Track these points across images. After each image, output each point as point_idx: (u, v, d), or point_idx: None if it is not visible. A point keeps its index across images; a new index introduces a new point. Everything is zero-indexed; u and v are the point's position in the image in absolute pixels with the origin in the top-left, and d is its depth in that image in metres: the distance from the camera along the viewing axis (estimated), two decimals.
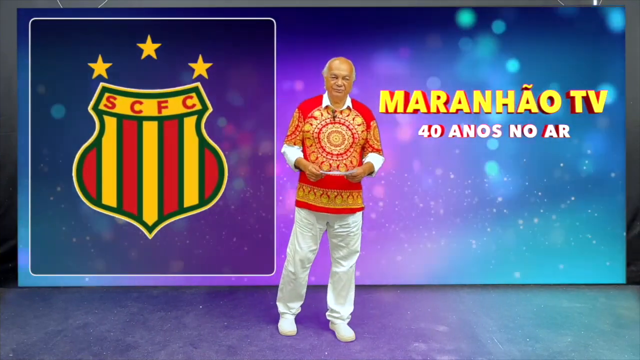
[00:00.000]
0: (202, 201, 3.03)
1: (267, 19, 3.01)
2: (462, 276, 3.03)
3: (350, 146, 2.16)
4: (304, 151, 2.22)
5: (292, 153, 2.21)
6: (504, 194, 3.03)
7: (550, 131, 3.02)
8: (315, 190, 2.16)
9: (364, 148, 2.23)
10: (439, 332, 2.34)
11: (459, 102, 3.01)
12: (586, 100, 3.01)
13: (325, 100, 2.19)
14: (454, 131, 3.01)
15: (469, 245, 3.03)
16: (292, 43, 3.00)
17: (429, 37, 3.00)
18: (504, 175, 3.03)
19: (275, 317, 2.50)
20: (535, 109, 3.02)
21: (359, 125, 2.18)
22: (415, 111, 3.02)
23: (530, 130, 3.02)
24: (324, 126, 2.15)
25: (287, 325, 2.33)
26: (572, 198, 3.02)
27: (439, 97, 3.01)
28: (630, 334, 2.30)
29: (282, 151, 2.28)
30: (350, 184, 2.16)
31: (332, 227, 2.21)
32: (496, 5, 3.05)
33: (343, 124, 2.16)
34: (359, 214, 2.23)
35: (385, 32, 3.01)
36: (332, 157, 2.14)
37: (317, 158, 2.15)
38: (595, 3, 3.15)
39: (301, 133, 2.20)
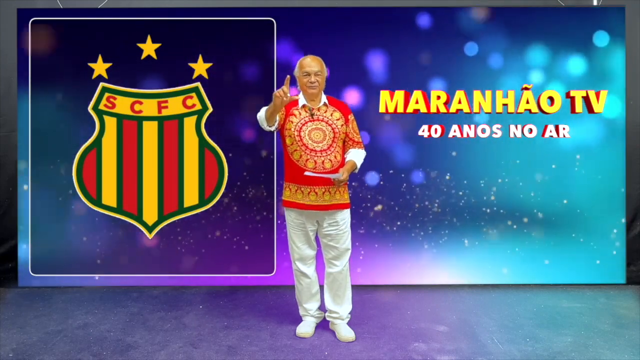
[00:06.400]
0: (202, 201, 3.03)
1: (267, 19, 3.01)
2: (462, 276, 3.04)
3: (332, 141, 2.18)
4: (284, 151, 2.22)
5: (261, 110, 2.16)
6: (503, 194, 3.03)
7: (550, 131, 3.02)
8: (302, 189, 2.17)
9: (345, 142, 2.25)
10: (439, 332, 2.34)
11: (459, 102, 3.01)
12: (586, 100, 3.01)
13: (302, 100, 2.21)
14: (454, 131, 3.02)
15: (469, 245, 3.03)
16: (293, 43, 2.99)
17: (430, 37, 3.00)
18: (504, 176, 3.03)
19: (275, 317, 2.51)
20: (535, 109, 3.02)
21: (337, 119, 2.20)
22: (416, 111, 3.02)
23: (531, 130, 3.03)
24: (303, 124, 2.17)
25: (303, 326, 2.32)
26: (572, 198, 3.02)
27: (439, 97, 3.01)
28: (630, 334, 2.30)
29: (257, 116, 2.20)
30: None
31: (322, 226, 2.22)
32: (497, 6, 3.05)
33: (322, 120, 2.18)
34: (346, 212, 2.24)
35: (386, 32, 3.00)
36: (315, 153, 2.15)
37: (300, 156, 2.16)
38: (595, 3, 3.15)
39: (281, 117, 2.16)
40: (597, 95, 3.00)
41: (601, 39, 2.98)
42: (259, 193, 3.03)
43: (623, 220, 3.03)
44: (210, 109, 3.02)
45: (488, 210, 3.03)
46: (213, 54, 2.99)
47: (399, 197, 3.04)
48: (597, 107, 3.00)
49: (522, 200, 3.03)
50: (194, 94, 3.01)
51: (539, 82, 3.01)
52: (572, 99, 3.01)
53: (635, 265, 3.24)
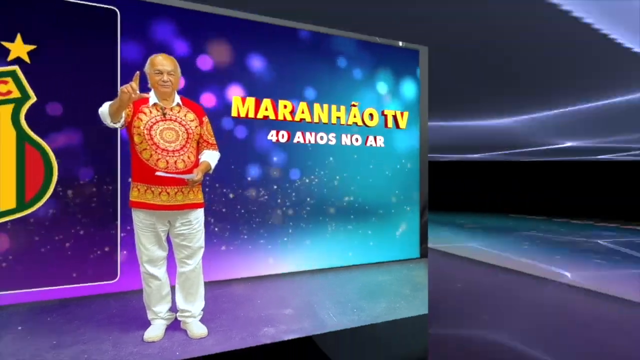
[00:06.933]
0: (22, 205, 2.56)
1: (110, 7, 2.78)
2: (303, 263, 3.45)
3: (186, 142, 2.14)
4: (132, 149, 2.11)
5: (104, 105, 2.02)
6: (337, 191, 3.60)
7: (371, 141, 3.75)
8: (152, 189, 2.09)
9: (199, 144, 2.23)
10: (286, 315, 2.59)
11: (302, 112, 3.43)
12: (395, 118, 3.86)
13: (153, 98, 2.12)
14: (298, 137, 3.42)
15: (310, 235, 3.48)
16: (140, 37, 2.84)
17: (270, 50, 3.32)
18: (338, 174, 3.60)
19: (118, 326, 2.35)
20: (360, 122, 3.70)
21: (191, 121, 2.17)
22: (265, 117, 3.29)
23: (357, 140, 3.69)
24: (154, 123, 2.09)
25: (152, 330, 2.22)
26: (384, 194, 3.81)
27: (285, 107, 3.36)
28: (422, 295, 3.07)
29: (99, 111, 2.05)
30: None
31: (174, 226, 2.17)
32: (331, 34, 3.59)
33: (175, 121, 2.13)
34: (200, 211, 2.23)
35: (242, 40, 3.17)
36: (167, 153, 2.10)
37: (151, 155, 2.07)
38: (400, 44, 4.07)
39: (129, 113, 2.06)
40: (402, 115, 3.89)
41: (403, 71, 3.87)
42: (98, 193, 2.75)
43: (418, 210, 4.00)
44: (34, 98, 2.58)
45: (321, 206, 3.54)
46: (38, 35, 2.57)
47: (251, 193, 3.24)
48: (402, 123, 3.89)
49: (349, 197, 3.65)
50: (9, 79, 2.52)
51: (363, 100, 3.68)
52: (386, 116, 3.81)
53: (424, 243, 4.31)
